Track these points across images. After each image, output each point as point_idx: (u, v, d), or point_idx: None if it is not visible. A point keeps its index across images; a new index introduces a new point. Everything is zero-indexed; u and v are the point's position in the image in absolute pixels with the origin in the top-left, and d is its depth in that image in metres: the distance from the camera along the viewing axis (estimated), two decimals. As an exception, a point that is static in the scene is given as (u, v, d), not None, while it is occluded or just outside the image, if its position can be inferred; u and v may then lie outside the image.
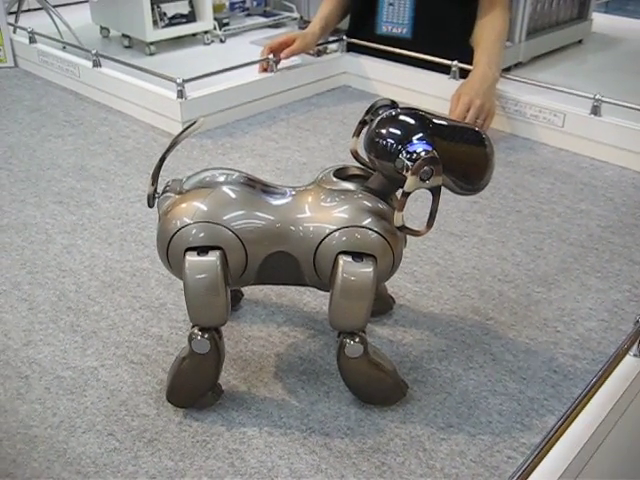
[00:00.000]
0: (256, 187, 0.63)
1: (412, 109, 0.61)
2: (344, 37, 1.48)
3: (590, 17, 4.48)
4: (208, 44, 4.38)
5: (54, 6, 3.89)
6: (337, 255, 0.60)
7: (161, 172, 0.62)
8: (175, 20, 4.17)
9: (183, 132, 0.62)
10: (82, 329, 0.76)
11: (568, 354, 0.73)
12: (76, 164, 1.13)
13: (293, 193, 0.63)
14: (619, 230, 0.96)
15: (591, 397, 0.54)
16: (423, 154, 0.56)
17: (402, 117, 0.60)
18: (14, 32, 1.61)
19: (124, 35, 4.23)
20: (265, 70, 1.35)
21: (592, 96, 1.15)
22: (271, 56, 1.33)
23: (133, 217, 0.97)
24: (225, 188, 0.62)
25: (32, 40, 1.53)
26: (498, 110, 1.25)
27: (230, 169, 0.65)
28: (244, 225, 0.60)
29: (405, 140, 0.58)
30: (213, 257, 0.59)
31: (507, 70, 3.89)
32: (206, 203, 0.60)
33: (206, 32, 4.33)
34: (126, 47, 4.22)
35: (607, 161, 1.15)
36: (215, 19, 4.36)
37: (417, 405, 0.66)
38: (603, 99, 1.15)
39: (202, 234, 0.60)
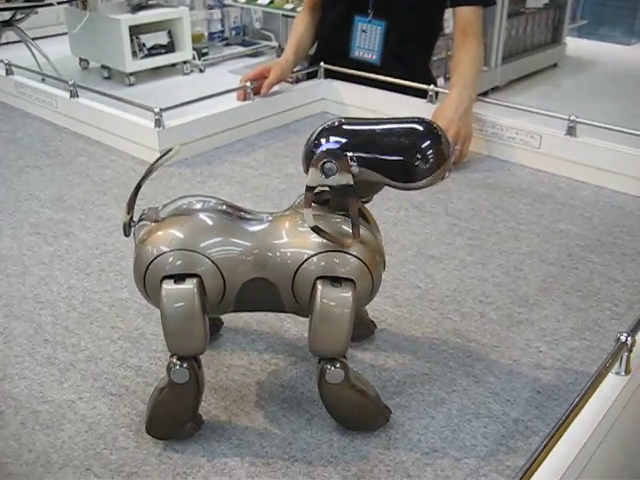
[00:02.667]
0: (233, 214, 0.62)
1: (346, 119, 0.60)
2: (321, 64, 1.49)
3: (564, 41, 4.57)
4: (188, 74, 4.42)
5: (33, 38, 3.91)
6: (315, 280, 0.59)
7: (139, 201, 0.62)
8: (154, 51, 4.21)
9: (158, 160, 0.61)
10: (59, 361, 0.74)
11: (551, 374, 0.72)
12: (54, 195, 1.12)
13: (270, 219, 0.62)
14: (598, 249, 0.96)
15: (574, 417, 0.54)
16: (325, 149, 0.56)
17: (327, 127, 0.60)
18: (-10, 64, 1.61)
19: (103, 66, 4.26)
20: (244, 98, 1.35)
21: (567, 117, 1.17)
22: (248, 84, 1.34)
23: (111, 247, 0.96)
24: (201, 215, 0.61)
25: (9, 72, 1.52)
26: (476, 133, 1.26)
27: (207, 196, 0.64)
28: (221, 252, 0.60)
29: (319, 144, 0.58)
30: (190, 285, 0.58)
31: (484, 94, 3.95)
32: (182, 230, 0.60)
33: (185, 62, 4.38)
34: (105, 78, 4.25)
35: (584, 181, 1.16)
36: (194, 49, 4.41)
37: (401, 430, 0.65)
38: (578, 120, 1.16)
39: (179, 262, 0.59)
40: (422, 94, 1.34)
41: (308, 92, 1.47)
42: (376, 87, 1.40)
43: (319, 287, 0.59)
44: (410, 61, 1.52)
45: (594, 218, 1.05)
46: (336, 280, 0.59)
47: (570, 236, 1.00)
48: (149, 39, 4.15)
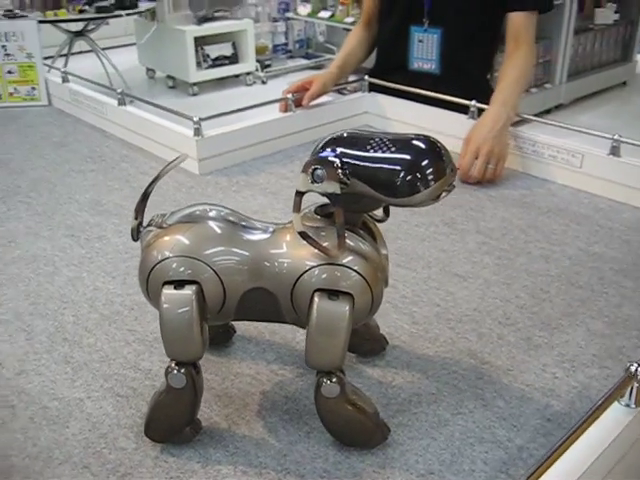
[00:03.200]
0: (237, 223, 0.63)
1: (353, 130, 0.60)
2: (365, 77, 1.49)
3: (634, 59, 4.43)
4: (250, 85, 4.49)
5: (103, 48, 4.06)
6: (314, 292, 0.59)
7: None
8: (218, 61, 4.30)
9: (166, 167, 0.62)
10: (74, 360, 0.77)
11: (564, 402, 0.70)
12: (92, 199, 1.15)
13: (273, 230, 0.63)
14: (632, 273, 0.93)
15: (568, 447, 0.52)
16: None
17: (333, 137, 0.59)
18: (48, 72, 1.67)
19: (169, 76, 4.37)
20: (285, 110, 1.37)
21: (611, 136, 1.13)
22: (290, 95, 1.35)
23: (139, 252, 0.98)
24: (206, 224, 0.62)
25: (65, 79, 1.59)
26: (516, 150, 1.23)
27: (214, 204, 0.65)
28: (222, 261, 0.60)
29: (321, 152, 0.58)
30: (189, 291, 0.59)
31: (547, 112, 3.87)
32: (186, 237, 0.61)
33: (248, 73, 4.45)
34: (170, 87, 4.36)
35: (626, 202, 1.12)
36: (257, 61, 4.48)
37: (399, 450, 0.64)
38: (622, 139, 1.12)
39: (180, 268, 0.60)
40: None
41: (351, 105, 1.47)
42: (431, 104, 1.37)
43: (316, 299, 0.58)
44: (469, 69, 1.49)
45: (632, 241, 1.01)
46: (334, 293, 0.59)
47: (604, 259, 0.96)
48: (213, 50, 4.24)
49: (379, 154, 0.57)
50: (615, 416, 0.58)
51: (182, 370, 0.61)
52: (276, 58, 4.81)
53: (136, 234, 0.64)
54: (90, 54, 4.07)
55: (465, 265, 0.95)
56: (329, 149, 0.59)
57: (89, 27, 3.86)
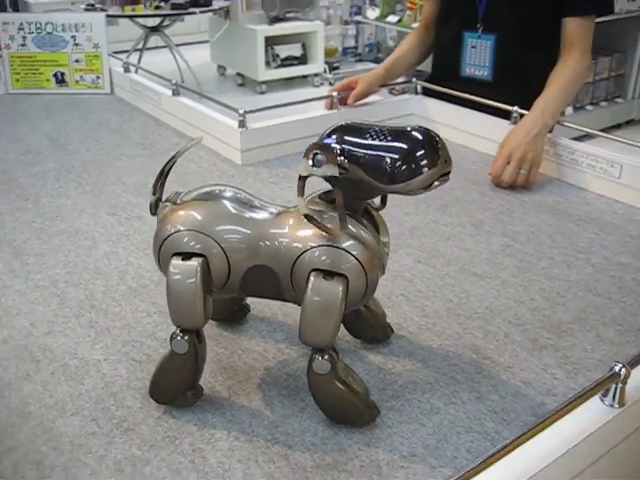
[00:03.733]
0: (247, 204, 0.67)
1: (356, 121, 0.63)
2: (413, 79, 1.51)
3: None
4: (317, 86, 4.55)
5: (177, 45, 4.19)
6: (311, 271, 0.62)
7: None
8: (287, 62, 4.37)
9: (183, 148, 0.67)
10: (98, 326, 0.82)
11: (559, 401, 0.70)
12: (138, 182, 1.22)
13: (279, 212, 0.66)
14: (654, 286, 0.92)
15: (533, 435, 0.53)
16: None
17: (338, 126, 0.63)
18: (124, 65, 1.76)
19: (238, 74, 4.48)
20: (330, 107, 1.40)
21: (651, 148, 1.11)
22: (335, 93, 1.39)
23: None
24: (217, 202, 0.66)
25: (126, 70, 1.67)
26: (554, 158, 1.23)
27: (229, 185, 0.69)
28: (229, 238, 0.64)
29: (324, 139, 0.61)
30: (195, 263, 0.63)
31: (617, 127, 3.77)
32: (197, 213, 0.65)
33: (316, 75, 4.50)
34: (239, 85, 4.46)
35: (662, 216, 1.10)
36: (326, 62, 4.53)
37: (386, 431, 0.66)
38: (663, 152, 1.11)
39: (190, 241, 0.64)
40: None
41: (397, 106, 1.50)
42: (481, 109, 1.38)
43: (312, 278, 0.62)
44: (523, 76, 1.46)
45: (661, 254, 1.00)
46: (330, 274, 0.62)
47: (628, 269, 0.95)
48: (283, 50, 4.32)
49: (376, 142, 0.60)
50: (594, 414, 0.59)
51: (185, 337, 0.65)
52: (345, 61, 4.85)
53: (154, 208, 0.69)
54: (164, 49, 4.21)
55: (485, 265, 0.96)
56: (332, 136, 0.62)
57: (164, 23, 4.00)
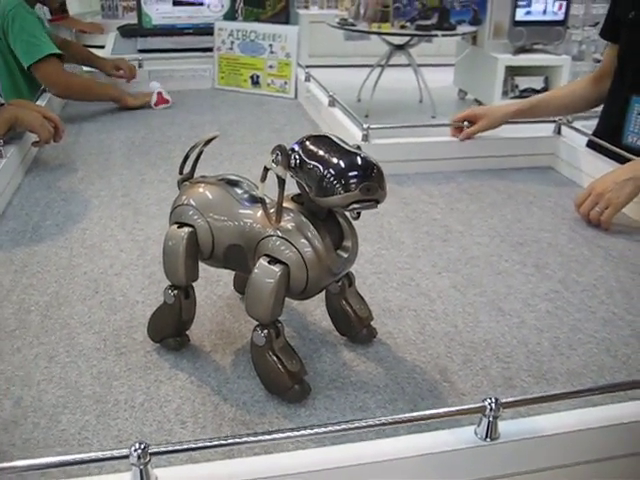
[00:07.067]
0: (241, 195, 0.79)
1: (332, 134, 0.71)
2: (556, 119, 1.48)
3: None
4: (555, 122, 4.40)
5: (419, 65, 4.37)
6: (262, 255, 0.73)
7: None
8: (526, 93, 4.30)
9: (203, 138, 0.82)
10: (155, 278, 1.01)
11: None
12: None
13: (259, 205, 0.77)
14: (686, 363, 0.85)
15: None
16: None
17: (313, 134, 0.72)
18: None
19: (476, 99, 4.52)
20: (455, 134, 1.45)
21: None
22: (466, 123, 1.43)
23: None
24: (219, 187, 0.80)
25: (307, 79, 1.87)
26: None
27: (238, 176, 0.82)
28: (217, 218, 0.77)
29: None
30: (183, 231, 0.78)
31: None
32: (199, 193, 0.79)
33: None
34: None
35: None
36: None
37: (308, 412, 0.74)
38: None
39: (186, 213, 0.79)
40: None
41: (536, 144, 1.49)
42: None
43: (260, 260, 0.72)
44: None
45: None
46: (275, 260, 0.72)
47: (670, 342, 0.89)
48: (524, 82, 4.27)
49: (325, 156, 0.68)
50: (460, 436, 0.61)
51: (174, 291, 0.80)
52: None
53: (179, 186, 0.84)
54: (406, 68, 4.42)
55: (516, 304, 0.97)
56: (300, 142, 0.71)
57: (411, 42, 4.20)
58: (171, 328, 0.83)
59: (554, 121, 1.50)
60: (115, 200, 1.29)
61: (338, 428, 0.61)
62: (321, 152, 0.69)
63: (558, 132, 1.49)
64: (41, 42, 1.80)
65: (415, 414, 0.64)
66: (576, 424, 0.64)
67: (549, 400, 0.69)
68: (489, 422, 0.61)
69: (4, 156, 1.29)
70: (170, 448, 0.56)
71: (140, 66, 2.11)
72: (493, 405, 0.61)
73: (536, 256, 1.10)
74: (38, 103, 1.68)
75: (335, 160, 0.67)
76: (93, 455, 0.54)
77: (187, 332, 0.85)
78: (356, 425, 0.61)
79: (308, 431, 0.60)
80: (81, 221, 1.19)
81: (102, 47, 2.79)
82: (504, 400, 0.62)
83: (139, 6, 2.66)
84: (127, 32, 3.02)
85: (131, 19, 3.81)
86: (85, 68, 2.09)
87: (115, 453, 0.54)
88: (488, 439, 0.62)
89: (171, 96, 1.90)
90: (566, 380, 0.81)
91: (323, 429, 0.61)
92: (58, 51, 1.82)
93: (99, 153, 1.56)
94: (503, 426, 0.63)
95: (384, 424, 0.61)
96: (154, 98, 1.87)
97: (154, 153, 1.56)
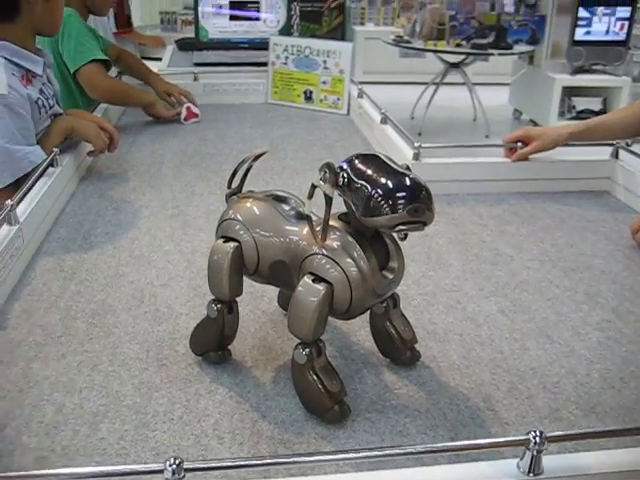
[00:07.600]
0: (290, 212, 0.79)
1: (381, 154, 0.71)
2: (615, 142, 1.44)
3: None
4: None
5: (475, 83, 4.32)
6: (306, 273, 0.72)
7: None
8: (583, 115, 4.21)
9: (252, 154, 0.82)
10: (200, 290, 1.01)
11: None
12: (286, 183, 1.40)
13: (305, 223, 0.76)
14: None
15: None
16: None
17: (362, 153, 0.71)
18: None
19: (531, 120, 4.44)
20: (509, 155, 1.42)
21: None
22: (519, 144, 1.40)
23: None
24: (266, 203, 0.80)
25: (360, 95, 1.87)
26: None
27: (285, 192, 0.82)
28: (262, 234, 0.77)
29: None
30: (229, 246, 0.78)
31: None
32: (247, 209, 0.79)
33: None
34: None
35: None
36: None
37: (347, 434, 0.73)
38: None
39: (232, 228, 0.79)
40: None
41: (592, 167, 1.45)
42: None
43: (305, 278, 0.72)
44: None
45: None
46: (320, 279, 0.71)
47: None
48: (581, 102, 4.18)
49: (374, 176, 0.68)
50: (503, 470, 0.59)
51: (218, 306, 0.80)
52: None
53: (227, 199, 0.85)
54: (462, 86, 4.38)
55: (566, 332, 0.94)
56: (349, 161, 0.71)
57: (466, 60, 4.16)
58: (213, 342, 0.83)
59: (612, 144, 1.46)
60: (164, 211, 1.31)
61: (378, 454, 0.59)
62: (369, 171, 0.68)
63: (615, 155, 1.44)
64: (86, 49, 1.83)
65: (456, 443, 0.62)
66: (626, 464, 0.61)
67: (598, 436, 0.66)
68: (533, 456, 0.59)
69: (59, 164, 1.32)
70: (205, 465, 0.56)
71: (195, 79, 2.15)
72: (538, 438, 0.59)
73: (588, 283, 1.07)
74: (95, 113, 1.72)
75: (383, 180, 0.66)
76: (128, 468, 0.54)
77: (229, 346, 0.85)
78: (395, 452, 0.60)
79: (351, 454, 0.59)
80: (130, 230, 1.21)
81: (159, 59, 2.85)
82: (550, 434, 0.60)
83: (196, 20, 2.71)
84: (184, 45, 3.09)
85: (189, 32, 3.89)
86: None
87: (150, 467, 0.54)
88: (531, 474, 0.60)
89: (224, 110, 1.93)
90: (616, 415, 0.78)
91: (363, 454, 0.59)
92: (102, 56, 1.85)
93: (151, 164, 1.59)
94: (547, 461, 0.61)
95: (423, 452, 0.59)
96: (184, 112, 1.89)
97: (205, 165, 1.58)
